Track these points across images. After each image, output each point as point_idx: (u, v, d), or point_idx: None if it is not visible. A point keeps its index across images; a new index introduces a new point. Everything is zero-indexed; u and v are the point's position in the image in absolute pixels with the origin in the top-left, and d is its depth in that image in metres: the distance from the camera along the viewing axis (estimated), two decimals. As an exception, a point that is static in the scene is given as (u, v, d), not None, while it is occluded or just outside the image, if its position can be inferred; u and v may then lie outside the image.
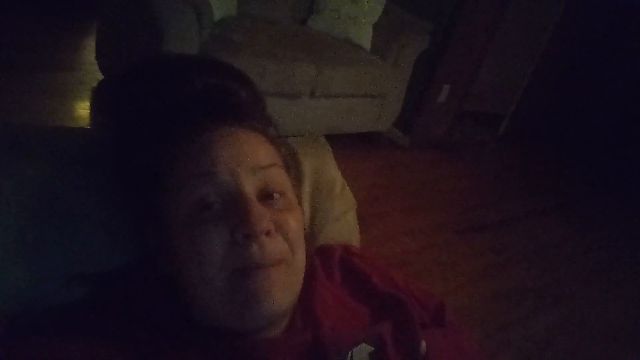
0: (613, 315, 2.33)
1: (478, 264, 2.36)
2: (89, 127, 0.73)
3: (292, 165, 0.67)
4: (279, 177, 0.58)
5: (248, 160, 0.55)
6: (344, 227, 0.87)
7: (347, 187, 0.90)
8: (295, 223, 0.57)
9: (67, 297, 0.58)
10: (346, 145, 2.88)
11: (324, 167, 0.87)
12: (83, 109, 2.33)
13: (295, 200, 0.61)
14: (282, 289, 0.52)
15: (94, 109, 0.65)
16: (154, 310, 0.56)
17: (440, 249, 2.36)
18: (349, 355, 0.56)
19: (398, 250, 2.23)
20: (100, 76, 2.46)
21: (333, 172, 0.88)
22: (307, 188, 0.83)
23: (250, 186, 0.54)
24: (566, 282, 2.48)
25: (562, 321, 2.17)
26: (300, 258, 0.57)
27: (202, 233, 0.52)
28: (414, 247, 2.30)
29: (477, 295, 2.13)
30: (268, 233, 0.52)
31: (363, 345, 0.58)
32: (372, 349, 0.58)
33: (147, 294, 0.57)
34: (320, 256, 0.71)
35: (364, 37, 2.87)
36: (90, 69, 2.59)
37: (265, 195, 0.56)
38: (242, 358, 0.52)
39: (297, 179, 0.79)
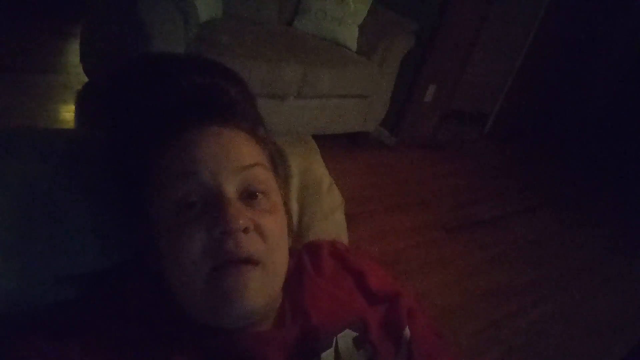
0: (602, 309, 2.36)
1: (467, 262, 2.38)
2: (75, 129, 0.72)
3: (280, 165, 0.67)
4: (263, 177, 0.58)
5: (231, 160, 0.55)
6: (332, 225, 0.87)
7: (335, 186, 0.90)
8: (275, 225, 0.57)
9: (57, 297, 0.58)
10: (333, 145, 2.88)
11: (311, 165, 0.87)
12: (67, 112, 2.30)
13: (280, 203, 0.61)
14: (256, 290, 0.52)
15: (79, 111, 0.65)
16: (144, 309, 0.56)
17: (429, 247, 2.37)
18: (334, 341, 0.57)
19: (387, 249, 2.23)
20: (84, 79, 2.44)
21: (320, 170, 0.88)
22: (294, 186, 0.83)
23: (231, 186, 0.54)
24: (555, 278, 2.50)
25: (551, 316, 2.20)
26: (279, 261, 0.57)
27: (181, 234, 0.52)
28: (403, 246, 2.30)
29: (467, 293, 2.14)
30: (245, 230, 0.52)
31: (347, 331, 0.58)
32: (356, 334, 0.59)
33: (137, 293, 0.58)
34: (309, 252, 0.71)
35: (350, 38, 2.88)
36: (73, 71, 2.56)
37: (248, 195, 0.56)
38: (231, 353, 0.53)
39: (284, 178, 0.80)
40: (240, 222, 0.51)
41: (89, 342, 0.50)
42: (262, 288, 0.53)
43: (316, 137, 0.95)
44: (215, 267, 0.52)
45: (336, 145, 2.92)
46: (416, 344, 0.61)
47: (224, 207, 0.52)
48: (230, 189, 0.54)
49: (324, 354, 0.55)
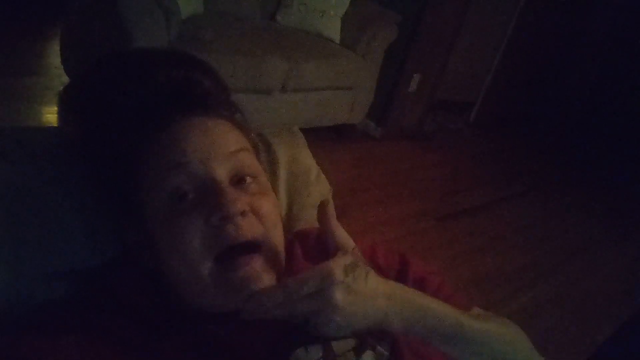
0: (591, 291, 2.39)
1: (458, 249, 2.40)
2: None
3: (262, 150, 0.68)
4: (250, 161, 0.59)
5: (218, 147, 0.56)
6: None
7: (322, 174, 0.91)
8: (269, 205, 0.58)
9: (47, 295, 0.59)
10: (320, 138, 2.88)
11: (298, 155, 0.88)
12: (50, 114, 2.28)
13: (268, 184, 0.62)
14: (265, 274, 0.54)
15: (61, 112, 0.65)
16: (136, 304, 0.56)
17: (418, 237, 2.39)
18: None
19: (377, 239, 2.24)
20: (66, 80, 2.41)
21: (308, 160, 0.89)
22: (282, 176, 0.84)
23: (222, 173, 0.55)
24: (544, 263, 2.53)
25: (542, 300, 2.22)
26: (278, 239, 0.58)
27: (178, 224, 0.53)
28: (393, 236, 2.32)
29: (457, 280, 2.15)
30: (243, 214, 0.53)
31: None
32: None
33: (129, 288, 0.58)
34: (299, 240, 0.72)
35: (333, 30, 2.88)
36: (55, 73, 2.54)
37: (238, 180, 0.57)
38: (221, 343, 0.54)
39: (270, 167, 0.80)
40: (238, 205, 0.52)
41: (85, 339, 0.50)
42: (269, 270, 0.55)
43: (303, 131, 0.95)
44: (219, 254, 0.52)
45: (323, 138, 2.93)
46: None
47: (220, 193, 0.53)
48: (222, 176, 0.55)
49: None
